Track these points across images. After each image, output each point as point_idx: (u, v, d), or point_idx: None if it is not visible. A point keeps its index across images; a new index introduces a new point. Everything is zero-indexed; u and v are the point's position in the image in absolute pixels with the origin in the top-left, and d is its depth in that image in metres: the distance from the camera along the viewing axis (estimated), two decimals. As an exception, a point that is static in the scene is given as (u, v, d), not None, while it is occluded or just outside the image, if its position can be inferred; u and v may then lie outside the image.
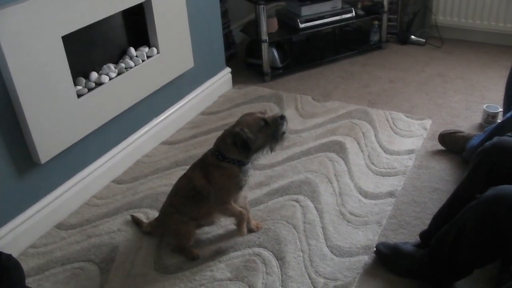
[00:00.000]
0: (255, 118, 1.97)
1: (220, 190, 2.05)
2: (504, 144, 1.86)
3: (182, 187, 2.15)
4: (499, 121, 2.89)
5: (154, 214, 2.40)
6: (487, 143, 1.91)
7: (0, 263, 1.42)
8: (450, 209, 1.95)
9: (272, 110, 3.24)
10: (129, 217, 2.40)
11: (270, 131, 1.96)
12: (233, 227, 2.25)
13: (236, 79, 3.67)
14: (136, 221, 2.37)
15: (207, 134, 3.04)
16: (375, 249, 2.13)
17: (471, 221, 1.71)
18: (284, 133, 1.98)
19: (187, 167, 2.20)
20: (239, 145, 1.95)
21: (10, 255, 1.48)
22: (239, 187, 2.06)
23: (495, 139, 1.91)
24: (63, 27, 2.19)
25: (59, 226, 2.40)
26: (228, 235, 2.27)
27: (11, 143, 2.14)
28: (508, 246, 1.63)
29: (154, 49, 2.76)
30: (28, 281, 2.08)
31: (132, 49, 2.70)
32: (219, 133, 2.08)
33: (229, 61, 3.71)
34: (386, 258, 2.08)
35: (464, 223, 1.74)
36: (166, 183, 2.62)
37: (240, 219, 2.15)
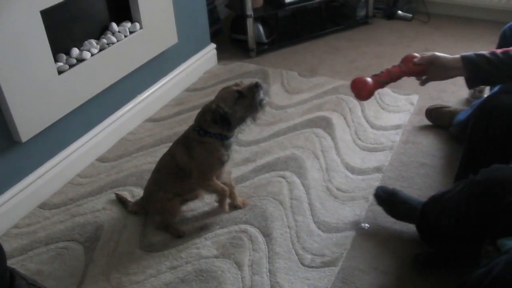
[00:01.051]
0: (229, 92, 1.93)
1: (202, 165, 2.02)
2: (500, 102, 1.86)
3: (165, 164, 2.13)
4: (486, 95, 2.88)
5: (139, 192, 2.37)
6: (481, 103, 1.90)
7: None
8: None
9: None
10: (113, 196, 2.37)
11: (248, 101, 1.92)
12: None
13: (221, 55, 3.61)
14: (121, 200, 2.33)
15: (192, 110, 2.99)
16: (374, 192, 2.18)
17: (456, 201, 1.73)
18: (262, 100, 1.93)
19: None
20: (218, 121, 1.92)
21: (-10, 236, 1.44)
22: (221, 162, 2.04)
23: (487, 98, 1.92)
24: (41, 1, 2.12)
25: (42, 206, 2.36)
26: (214, 212, 2.24)
27: (-10, 121, 2.10)
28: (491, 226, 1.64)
29: (137, 24, 2.70)
30: (12, 262, 2.05)
31: (114, 24, 2.63)
32: (204, 110, 2.04)
33: (214, 37, 3.65)
34: (383, 202, 2.13)
35: (450, 199, 1.75)
36: (151, 160, 2.58)
37: (222, 195, 2.12)
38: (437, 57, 1.77)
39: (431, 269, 1.94)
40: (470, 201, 1.67)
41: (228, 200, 2.16)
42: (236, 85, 1.97)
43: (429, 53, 1.79)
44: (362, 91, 1.83)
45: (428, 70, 1.80)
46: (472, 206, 1.66)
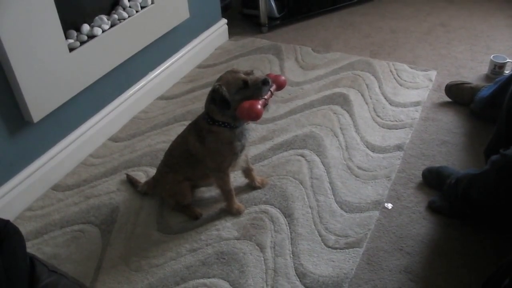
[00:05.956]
0: (235, 78, 1.82)
1: (214, 156, 1.95)
2: None
3: (177, 147, 2.07)
4: (507, 72, 2.81)
5: (154, 172, 2.30)
6: None
7: (-2, 230, 1.32)
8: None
9: (271, 62, 3.12)
10: (128, 176, 2.31)
11: (249, 94, 1.81)
12: (238, 183, 2.21)
13: (232, 30, 3.52)
14: (131, 181, 2.28)
15: (205, 88, 2.92)
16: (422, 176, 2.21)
17: (486, 175, 1.76)
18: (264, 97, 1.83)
19: (186, 122, 2.11)
20: (217, 101, 1.82)
21: (8, 221, 1.38)
22: (233, 153, 1.95)
23: None
24: (51, -25, 2.04)
25: (56, 188, 2.31)
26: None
27: (1, 102, 2.02)
28: None
29: (148, -1, 2.61)
30: (27, 245, 1.97)
31: (125, -1, 2.54)
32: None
33: (223, 13, 3.55)
34: (431, 183, 2.16)
35: (481, 173, 1.80)
36: (165, 139, 2.51)
37: (226, 197, 2.07)
38: None
39: (453, 247, 1.92)
40: (499, 175, 1.68)
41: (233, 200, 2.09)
42: (247, 73, 1.85)
43: None
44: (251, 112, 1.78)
45: None
46: (501, 180, 1.67)
